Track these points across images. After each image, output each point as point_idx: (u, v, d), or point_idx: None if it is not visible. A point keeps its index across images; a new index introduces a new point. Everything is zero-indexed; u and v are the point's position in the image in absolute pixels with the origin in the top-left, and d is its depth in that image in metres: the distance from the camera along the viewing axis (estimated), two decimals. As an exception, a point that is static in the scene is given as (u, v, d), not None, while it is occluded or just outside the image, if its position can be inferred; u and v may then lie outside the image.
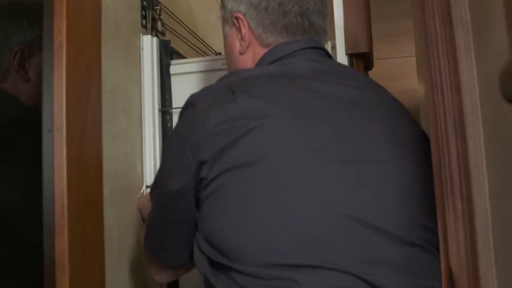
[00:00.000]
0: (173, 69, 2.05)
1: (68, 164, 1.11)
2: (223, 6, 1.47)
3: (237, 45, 1.41)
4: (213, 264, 1.13)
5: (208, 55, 2.70)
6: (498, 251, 0.97)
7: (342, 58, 1.79)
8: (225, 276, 1.10)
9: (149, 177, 1.89)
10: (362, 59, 1.85)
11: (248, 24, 1.38)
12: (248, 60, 1.37)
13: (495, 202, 0.97)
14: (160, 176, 1.26)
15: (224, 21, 1.47)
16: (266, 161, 1.10)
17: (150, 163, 1.89)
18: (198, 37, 2.61)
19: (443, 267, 1.07)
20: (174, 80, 2.04)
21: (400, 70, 3.87)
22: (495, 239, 0.98)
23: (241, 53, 1.38)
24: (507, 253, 0.93)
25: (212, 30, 2.97)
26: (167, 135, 1.96)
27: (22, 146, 1.50)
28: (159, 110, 1.95)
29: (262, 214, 1.08)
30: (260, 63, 1.33)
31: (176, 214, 1.21)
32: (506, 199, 0.91)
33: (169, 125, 1.99)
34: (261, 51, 1.36)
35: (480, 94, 1.02)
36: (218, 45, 2.91)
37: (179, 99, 2.02)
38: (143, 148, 1.89)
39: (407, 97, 3.10)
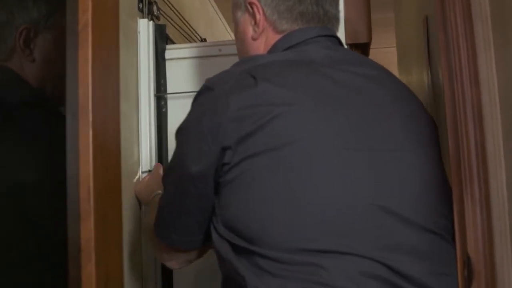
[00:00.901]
0: (167, 54, 2.05)
1: (94, 148, 1.11)
2: None
3: (250, 31, 1.40)
4: (234, 247, 1.16)
5: (195, 41, 2.71)
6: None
7: (342, 47, 1.83)
8: (246, 260, 1.13)
9: (144, 163, 1.90)
10: (361, 49, 1.89)
11: (263, 10, 1.37)
12: (261, 46, 1.37)
13: (512, 191, 1.02)
14: (177, 160, 1.26)
15: (236, 6, 1.45)
16: (291, 147, 1.12)
17: (146, 148, 1.90)
18: (187, 22, 2.61)
19: (459, 253, 1.11)
20: (168, 66, 2.05)
21: (382, 61, 3.91)
22: (512, 225, 1.02)
23: (254, 39, 1.38)
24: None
25: (196, 16, 2.98)
26: (162, 120, 1.97)
27: (28, 127, 1.49)
28: (155, 95, 1.96)
29: (288, 200, 1.11)
30: (274, 49, 1.33)
31: (193, 198, 1.22)
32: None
33: (163, 110, 2.00)
34: (274, 38, 1.36)
35: (499, 87, 1.06)
36: (202, 30, 2.91)
37: (173, 85, 2.03)
38: (139, 133, 1.90)
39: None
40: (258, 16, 1.37)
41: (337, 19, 1.43)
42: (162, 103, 2.02)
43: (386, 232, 1.12)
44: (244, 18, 1.42)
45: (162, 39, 2.03)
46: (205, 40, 2.82)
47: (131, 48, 1.88)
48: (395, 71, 2.88)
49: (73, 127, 1.14)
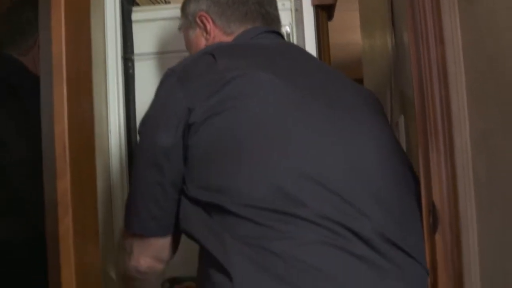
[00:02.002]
0: (134, 16, 2.06)
1: (68, 105, 1.12)
2: (184, 14, 1.57)
3: (203, 41, 1.51)
4: (208, 208, 1.18)
5: (159, 3, 2.70)
6: (478, 187, 1.07)
7: (308, 9, 1.89)
8: (221, 219, 1.15)
9: (112, 123, 1.91)
10: (326, 10, 1.93)
11: (212, 19, 1.48)
12: None
13: (476, 142, 1.07)
14: (145, 142, 1.28)
15: (188, 27, 1.56)
16: (252, 100, 1.19)
17: (114, 109, 1.91)
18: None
19: (424, 202, 1.17)
20: (135, 28, 2.05)
21: (348, 23, 3.96)
22: (475, 176, 1.08)
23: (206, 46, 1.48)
24: (488, 189, 1.04)
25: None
26: (129, 82, 1.98)
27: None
28: (122, 57, 1.97)
29: (252, 154, 1.16)
30: None
31: (161, 177, 1.23)
32: (491, 137, 1.01)
33: (130, 71, 2.01)
34: (225, 40, 1.47)
35: (463, 46, 1.11)
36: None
37: (140, 47, 2.04)
38: (108, 96, 1.91)
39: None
40: (208, 26, 1.48)
41: (278, 20, 1.55)
42: (129, 64, 2.03)
43: (348, 197, 1.15)
44: (195, 34, 1.53)
45: (128, 1, 2.04)
46: (169, 2, 2.81)
47: (97, 11, 1.88)
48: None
49: (47, 85, 1.15)
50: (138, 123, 1.38)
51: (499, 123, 0.97)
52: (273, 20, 1.53)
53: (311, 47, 1.90)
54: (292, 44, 1.76)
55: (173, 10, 1.99)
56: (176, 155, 1.22)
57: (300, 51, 1.53)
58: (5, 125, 1.59)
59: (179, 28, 1.62)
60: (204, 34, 1.50)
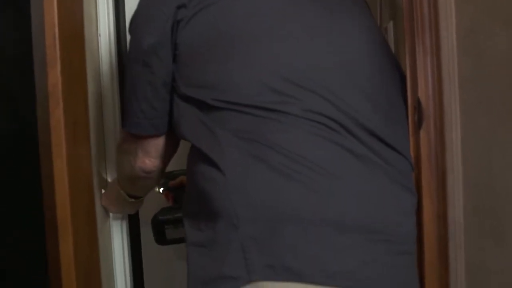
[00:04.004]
0: None
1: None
2: None
3: None
4: (199, 108, 1.19)
5: None
6: (463, 84, 1.09)
7: None
8: (210, 119, 1.16)
9: (102, 27, 1.89)
10: None
11: None
12: None
13: (462, 40, 1.08)
14: (135, 40, 1.23)
15: None
16: None
17: (104, 14, 1.88)
18: None
19: (410, 98, 1.18)
20: None
21: None
22: (460, 73, 1.10)
23: None
24: (473, 86, 1.06)
25: None
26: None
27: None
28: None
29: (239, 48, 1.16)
30: None
31: (151, 76, 1.21)
32: (476, 35, 1.02)
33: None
34: None
35: None
36: None
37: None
38: None
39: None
40: None
41: None
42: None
43: (337, 89, 1.15)
44: None
45: None
46: None
47: None
48: None
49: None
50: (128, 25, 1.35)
51: (484, 19, 0.98)
52: None
53: None
54: None
55: None
56: (165, 52, 1.21)
57: None
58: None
59: None
60: None
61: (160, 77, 1.24)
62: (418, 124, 1.16)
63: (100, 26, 1.90)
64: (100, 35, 1.90)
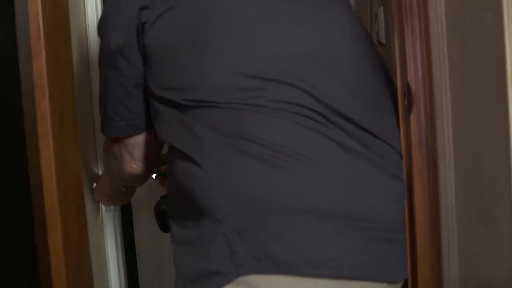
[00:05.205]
0: None
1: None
2: None
3: None
4: (175, 107, 1.16)
5: None
6: (452, 68, 1.08)
7: None
8: (187, 118, 1.15)
9: (90, 19, 1.88)
10: None
11: None
12: None
13: (451, 23, 1.07)
14: (103, 43, 1.25)
15: None
16: None
17: (92, 6, 1.87)
18: None
19: (399, 83, 1.17)
20: None
21: None
22: (450, 56, 1.08)
23: None
24: (462, 69, 1.04)
25: None
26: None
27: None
28: None
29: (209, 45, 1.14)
30: None
31: (121, 78, 1.22)
32: (464, 16, 1.01)
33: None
34: None
35: None
36: None
37: None
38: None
39: None
40: None
41: None
42: None
43: (312, 78, 1.14)
44: None
45: None
46: None
47: None
48: None
49: None
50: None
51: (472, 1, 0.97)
52: None
53: None
54: None
55: None
56: (133, 54, 1.20)
57: None
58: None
59: None
60: None
61: (131, 79, 1.23)
62: (408, 109, 1.14)
63: (89, 17, 1.89)
64: (88, 26, 1.89)
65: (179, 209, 1.19)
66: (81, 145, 1.45)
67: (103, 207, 1.83)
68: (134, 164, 1.34)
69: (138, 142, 1.31)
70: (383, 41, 1.73)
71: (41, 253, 1.24)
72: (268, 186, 1.06)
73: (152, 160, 1.36)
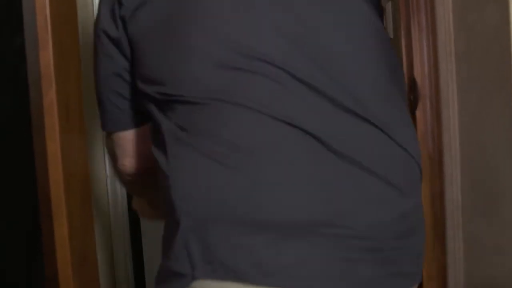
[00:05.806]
0: None
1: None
2: None
3: None
4: (155, 103, 1.16)
5: None
6: (458, 62, 1.08)
7: None
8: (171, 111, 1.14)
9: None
10: None
11: None
12: None
13: (457, 17, 1.07)
14: (96, 32, 1.23)
15: None
16: None
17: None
18: None
19: (407, 77, 1.17)
20: None
21: None
22: (456, 51, 1.08)
23: None
24: (467, 63, 1.04)
25: None
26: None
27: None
28: None
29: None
30: None
31: (115, 67, 1.17)
32: (470, 11, 1.01)
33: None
34: None
35: None
36: None
37: None
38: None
39: None
40: None
41: None
42: None
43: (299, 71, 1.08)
44: None
45: None
46: None
47: None
48: None
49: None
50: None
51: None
52: None
53: None
54: None
55: None
56: (124, 43, 1.17)
57: None
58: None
59: None
60: None
61: (125, 66, 1.21)
62: (414, 104, 1.14)
63: (96, 9, 1.89)
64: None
65: (164, 209, 1.19)
66: (87, 136, 1.45)
67: (110, 200, 1.83)
68: (126, 161, 1.29)
69: (129, 136, 1.27)
70: (391, 36, 1.72)
71: (46, 242, 1.24)
72: (215, 189, 1.03)
73: (145, 155, 1.32)
